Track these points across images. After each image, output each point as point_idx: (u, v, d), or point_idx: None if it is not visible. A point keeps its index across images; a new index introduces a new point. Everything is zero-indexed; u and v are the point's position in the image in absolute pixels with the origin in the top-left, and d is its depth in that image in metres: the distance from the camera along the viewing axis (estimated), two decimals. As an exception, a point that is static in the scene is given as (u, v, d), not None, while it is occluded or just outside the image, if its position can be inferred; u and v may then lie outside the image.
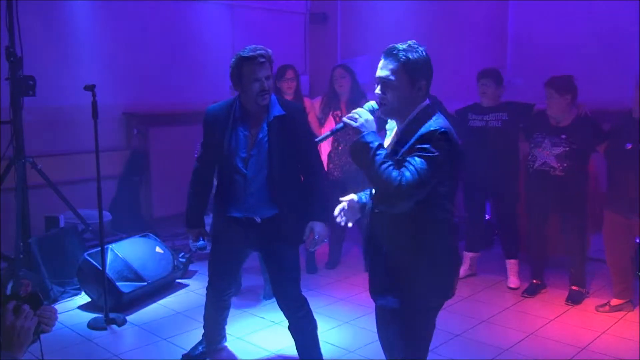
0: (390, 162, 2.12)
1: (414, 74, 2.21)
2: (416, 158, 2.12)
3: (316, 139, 2.30)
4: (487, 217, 5.07)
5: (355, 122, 2.19)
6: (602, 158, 4.32)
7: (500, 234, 4.94)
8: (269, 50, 2.98)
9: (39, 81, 4.52)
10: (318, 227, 3.08)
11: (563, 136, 4.24)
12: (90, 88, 3.86)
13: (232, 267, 3.36)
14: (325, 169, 5.00)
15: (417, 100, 2.26)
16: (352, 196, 2.49)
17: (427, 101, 2.29)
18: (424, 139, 2.15)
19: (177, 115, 6.10)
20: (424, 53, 2.23)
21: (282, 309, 3.23)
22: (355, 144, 2.18)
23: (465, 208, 4.98)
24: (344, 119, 2.23)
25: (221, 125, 3.07)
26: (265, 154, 3.01)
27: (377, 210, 2.32)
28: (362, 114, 2.21)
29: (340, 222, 2.48)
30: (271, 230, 3.08)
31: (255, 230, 3.11)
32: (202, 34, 6.28)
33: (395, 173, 2.09)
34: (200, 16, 6.35)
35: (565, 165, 4.24)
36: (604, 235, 4.27)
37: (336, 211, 2.49)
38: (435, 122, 2.20)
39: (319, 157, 3.26)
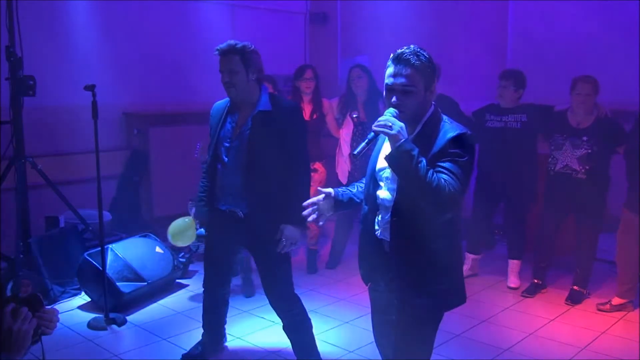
0: (433, 170, 2.07)
1: (427, 78, 2.20)
2: (452, 164, 2.10)
3: (354, 152, 2.18)
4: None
5: (391, 129, 2.07)
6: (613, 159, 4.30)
7: (508, 234, 4.91)
8: (244, 45, 2.99)
9: (39, 81, 4.52)
10: (287, 230, 3.00)
11: (584, 138, 4.20)
12: (90, 88, 3.86)
13: (225, 261, 3.36)
14: (349, 170, 4.95)
15: (429, 102, 2.26)
16: (330, 190, 2.44)
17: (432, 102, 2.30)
18: (453, 143, 2.13)
19: (177, 115, 6.10)
20: (428, 55, 2.22)
21: (273, 309, 3.23)
22: (395, 152, 2.07)
23: (472, 209, 4.92)
24: (375, 127, 2.11)
25: (218, 117, 3.16)
26: (245, 146, 3.02)
27: (395, 219, 2.23)
28: (394, 121, 2.10)
29: (308, 217, 2.41)
30: (256, 228, 3.07)
31: (241, 226, 3.10)
32: (202, 34, 6.25)
33: (442, 181, 2.05)
34: (200, 16, 6.33)
35: (587, 167, 4.20)
36: (618, 234, 4.24)
37: (308, 203, 2.43)
38: (455, 125, 2.20)
39: (305, 159, 3.18)
